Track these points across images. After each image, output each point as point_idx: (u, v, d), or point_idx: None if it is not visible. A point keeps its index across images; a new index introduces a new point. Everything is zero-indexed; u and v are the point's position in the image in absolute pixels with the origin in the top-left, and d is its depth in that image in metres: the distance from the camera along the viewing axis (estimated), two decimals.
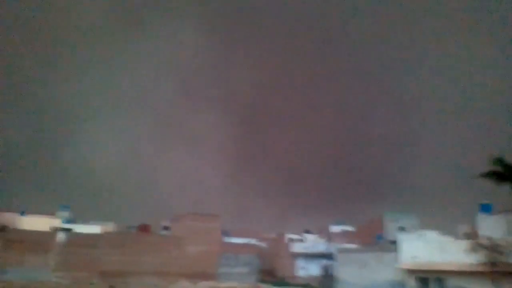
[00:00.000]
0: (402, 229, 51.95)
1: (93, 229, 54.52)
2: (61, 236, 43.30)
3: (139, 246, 45.54)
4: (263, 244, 65.61)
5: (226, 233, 60.56)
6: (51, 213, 61.93)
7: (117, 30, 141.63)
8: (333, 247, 53.89)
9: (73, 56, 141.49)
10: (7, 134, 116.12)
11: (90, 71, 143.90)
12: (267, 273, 58.10)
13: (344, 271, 45.04)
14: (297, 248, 57.70)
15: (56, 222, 57.22)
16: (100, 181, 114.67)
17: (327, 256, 53.87)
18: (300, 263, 57.03)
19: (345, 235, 63.00)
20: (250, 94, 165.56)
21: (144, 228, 58.44)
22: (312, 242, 60.85)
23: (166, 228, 61.91)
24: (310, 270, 56.15)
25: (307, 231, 69.82)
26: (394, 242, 40.00)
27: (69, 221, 58.31)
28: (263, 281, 50.45)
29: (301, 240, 61.95)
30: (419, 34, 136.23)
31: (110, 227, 59.24)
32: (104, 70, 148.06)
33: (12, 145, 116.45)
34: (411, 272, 34.71)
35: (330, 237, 62.13)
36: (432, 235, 36.22)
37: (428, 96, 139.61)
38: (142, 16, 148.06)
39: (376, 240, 52.25)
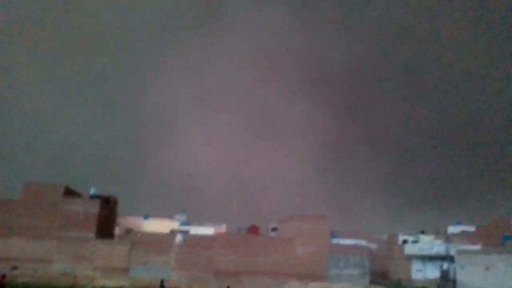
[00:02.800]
0: None
1: (207, 230, 57.72)
2: (179, 238, 46.49)
3: (250, 247, 46.91)
4: (374, 246, 63.30)
5: (334, 235, 59.62)
6: (170, 216, 67.07)
7: (195, 25, 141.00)
8: (452, 249, 50.00)
9: (155, 56, 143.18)
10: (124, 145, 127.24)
11: (172, 71, 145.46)
12: (379, 276, 55.88)
13: (466, 274, 41.54)
14: (411, 249, 54.57)
15: (175, 225, 61.81)
16: (209, 184, 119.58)
17: (446, 258, 50.09)
18: (415, 265, 53.87)
19: (464, 236, 57.98)
20: (343, 75, 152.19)
21: (253, 230, 60.18)
22: (428, 243, 57.01)
23: (274, 229, 63.04)
24: (427, 273, 52.73)
25: (422, 232, 65.65)
26: None
27: (185, 223, 62.51)
28: (375, 283, 48.61)
29: (415, 241, 58.41)
30: None
31: (222, 228, 62.18)
32: (185, 68, 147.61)
33: (129, 155, 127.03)
34: None
35: (448, 238, 57.69)
36: None
37: None
38: (220, 6, 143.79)
39: (502, 241, 47.29)
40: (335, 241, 56.43)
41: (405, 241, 57.87)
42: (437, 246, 54.67)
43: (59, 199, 44.79)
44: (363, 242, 58.87)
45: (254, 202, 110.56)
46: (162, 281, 33.48)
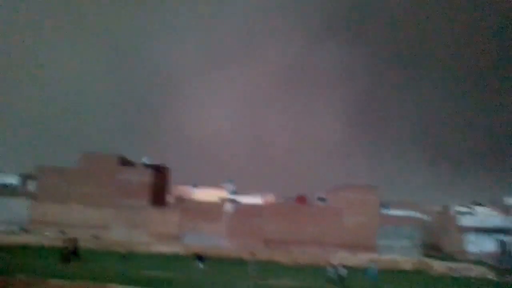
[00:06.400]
0: None
1: (255, 200, 58.29)
2: (228, 206, 47.34)
3: (299, 217, 47.09)
4: (426, 217, 61.73)
5: (385, 205, 58.42)
6: (217, 185, 68.15)
7: None
8: (510, 221, 47.93)
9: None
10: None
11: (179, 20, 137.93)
12: (431, 248, 54.71)
13: None
14: (466, 221, 52.87)
15: (222, 194, 62.87)
16: (241, 152, 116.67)
17: (504, 231, 48.12)
18: (470, 238, 52.19)
19: None
20: (382, 15, 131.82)
21: (301, 200, 60.12)
22: (484, 215, 54.89)
23: (321, 199, 62.64)
24: (482, 246, 50.96)
25: (477, 203, 63.14)
26: None
27: (234, 192, 63.42)
28: (427, 255, 47.63)
29: (470, 213, 56.38)
30: None
31: (270, 198, 62.56)
32: (194, 16, 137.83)
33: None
34: None
35: (506, 209, 55.20)
36: None
37: None
38: None
39: None
40: (385, 211, 55.42)
41: (459, 213, 56.03)
42: (494, 218, 52.58)
43: (115, 168, 46.55)
44: (415, 213, 57.47)
45: (294, 170, 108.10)
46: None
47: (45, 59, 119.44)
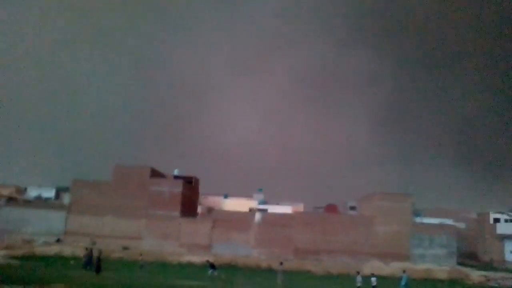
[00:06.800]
0: None
1: (284, 209, 58.12)
2: (258, 216, 47.37)
3: (329, 225, 46.59)
4: (461, 225, 59.84)
5: (418, 213, 57.08)
6: (247, 195, 68.41)
7: None
8: None
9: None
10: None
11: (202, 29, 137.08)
12: (468, 257, 52.92)
13: None
14: (504, 229, 50.85)
15: (253, 204, 63.01)
16: (287, 163, 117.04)
17: None
18: (508, 246, 50.18)
19: None
20: (412, 23, 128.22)
21: (331, 208, 59.60)
22: None
23: (352, 208, 61.90)
24: None
25: None
26: None
27: (263, 202, 63.49)
28: (463, 264, 46.09)
29: (509, 220, 54.20)
30: None
31: (299, 207, 62.25)
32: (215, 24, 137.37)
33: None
34: None
35: None
36: None
37: None
38: None
39: None
40: (418, 220, 54.11)
41: (496, 220, 53.98)
42: None
43: (146, 180, 47.49)
44: (449, 221, 55.79)
45: (323, 179, 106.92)
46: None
47: (77, 80, 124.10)
